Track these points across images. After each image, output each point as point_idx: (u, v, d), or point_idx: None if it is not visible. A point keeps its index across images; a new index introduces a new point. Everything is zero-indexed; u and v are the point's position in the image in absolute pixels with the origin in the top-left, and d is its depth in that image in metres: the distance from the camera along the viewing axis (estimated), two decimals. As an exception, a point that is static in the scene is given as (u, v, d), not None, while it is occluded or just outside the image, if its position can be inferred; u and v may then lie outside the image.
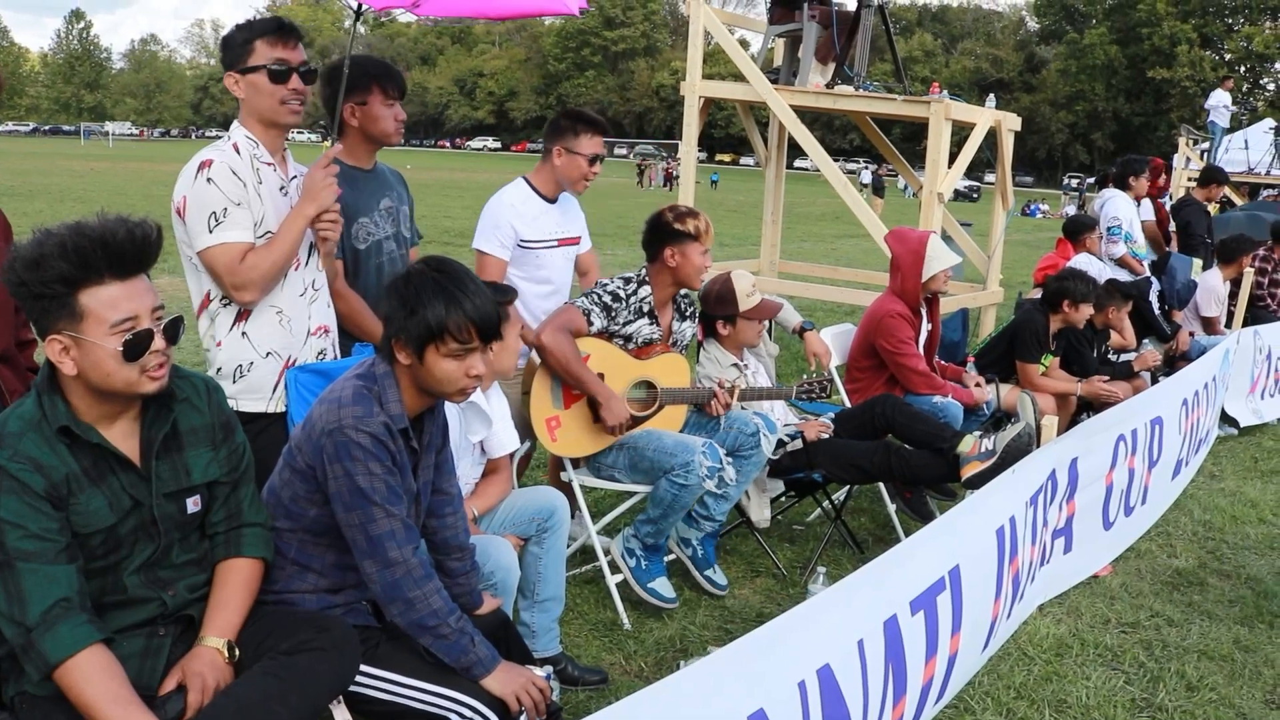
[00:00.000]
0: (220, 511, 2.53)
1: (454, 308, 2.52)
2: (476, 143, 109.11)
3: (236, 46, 3.12)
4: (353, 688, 2.52)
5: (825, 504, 5.23)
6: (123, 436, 2.35)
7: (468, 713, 2.53)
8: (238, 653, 2.39)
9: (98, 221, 2.20)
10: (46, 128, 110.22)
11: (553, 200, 4.43)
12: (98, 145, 76.04)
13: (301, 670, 2.33)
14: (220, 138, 3.25)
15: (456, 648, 2.57)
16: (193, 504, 2.46)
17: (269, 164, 3.22)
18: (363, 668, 2.53)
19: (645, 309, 4.26)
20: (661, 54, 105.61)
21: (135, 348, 2.23)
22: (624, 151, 78.47)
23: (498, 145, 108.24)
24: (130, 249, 2.22)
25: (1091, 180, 51.74)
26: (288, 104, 3.15)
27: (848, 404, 5.32)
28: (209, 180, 3.04)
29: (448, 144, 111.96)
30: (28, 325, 2.90)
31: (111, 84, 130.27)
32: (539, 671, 2.72)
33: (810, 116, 8.86)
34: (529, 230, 4.31)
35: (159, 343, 2.28)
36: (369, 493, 2.51)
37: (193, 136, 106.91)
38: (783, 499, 5.15)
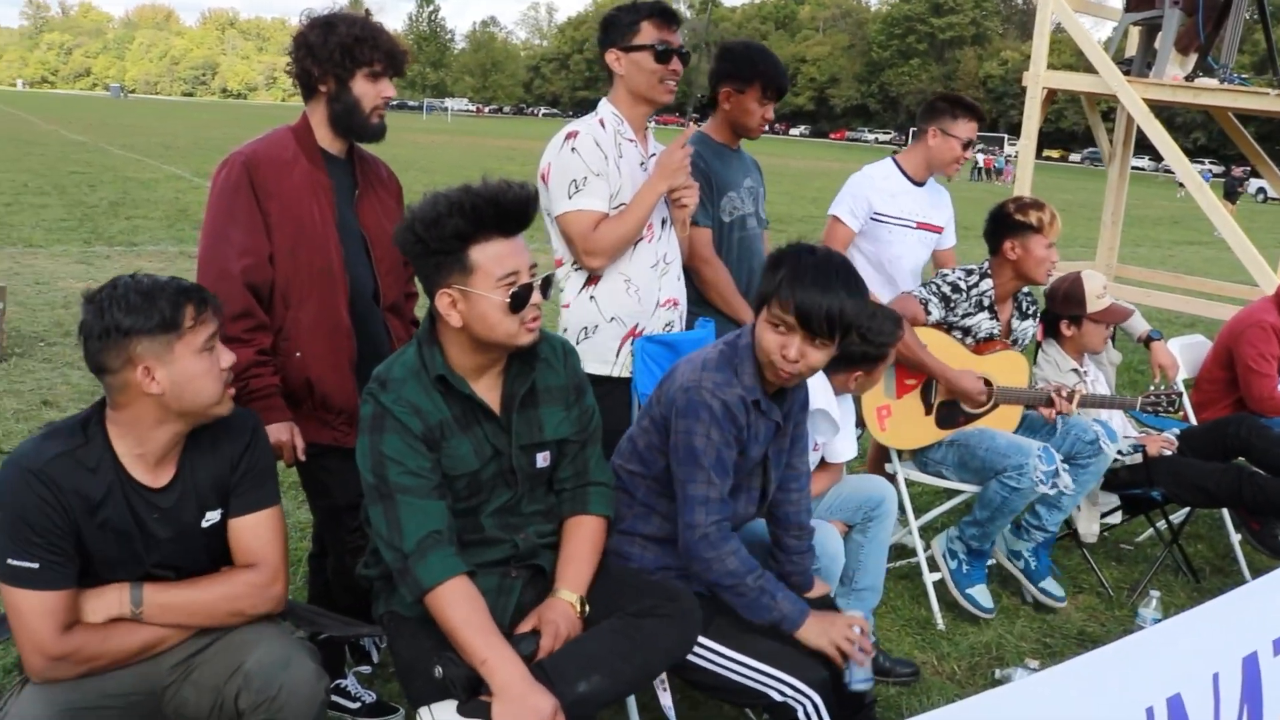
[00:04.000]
0: (568, 468, 2.65)
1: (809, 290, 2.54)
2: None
3: (623, 26, 3.33)
4: None
5: (1160, 525, 4.89)
6: (487, 389, 2.51)
7: (790, 692, 2.53)
8: (588, 609, 2.51)
9: (489, 183, 2.36)
10: (394, 102, 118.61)
11: (919, 183, 4.44)
12: (437, 120, 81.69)
13: (648, 633, 2.42)
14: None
15: (758, 605, 2.63)
16: (542, 459, 2.59)
17: (631, 140, 3.40)
18: None
19: (986, 303, 4.13)
20: (991, 43, 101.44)
21: (520, 300, 2.38)
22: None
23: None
24: (516, 208, 2.38)
25: None
26: (665, 83, 3.35)
27: (1193, 421, 4.95)
28: (573, 150, 3.26)
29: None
30: (411, 280, 3.17)
31: (453, 63, 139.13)
32: (854, 613, 2.74)
33: (1153, 112, 8.21)
34: (884, 204, 4.35)
35: (536, 297, 2.43)
36: (699, 454, 2.59)
37: (539, 114, 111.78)
38: (1112, 515, 4.86)
